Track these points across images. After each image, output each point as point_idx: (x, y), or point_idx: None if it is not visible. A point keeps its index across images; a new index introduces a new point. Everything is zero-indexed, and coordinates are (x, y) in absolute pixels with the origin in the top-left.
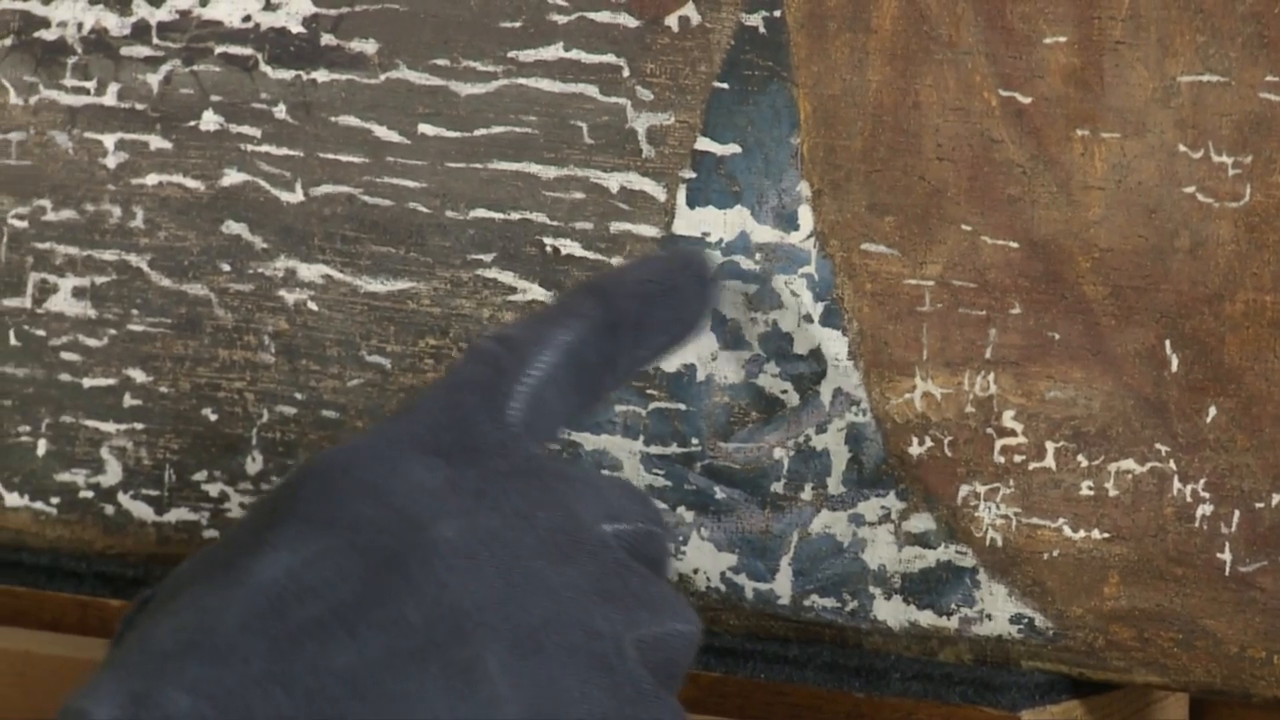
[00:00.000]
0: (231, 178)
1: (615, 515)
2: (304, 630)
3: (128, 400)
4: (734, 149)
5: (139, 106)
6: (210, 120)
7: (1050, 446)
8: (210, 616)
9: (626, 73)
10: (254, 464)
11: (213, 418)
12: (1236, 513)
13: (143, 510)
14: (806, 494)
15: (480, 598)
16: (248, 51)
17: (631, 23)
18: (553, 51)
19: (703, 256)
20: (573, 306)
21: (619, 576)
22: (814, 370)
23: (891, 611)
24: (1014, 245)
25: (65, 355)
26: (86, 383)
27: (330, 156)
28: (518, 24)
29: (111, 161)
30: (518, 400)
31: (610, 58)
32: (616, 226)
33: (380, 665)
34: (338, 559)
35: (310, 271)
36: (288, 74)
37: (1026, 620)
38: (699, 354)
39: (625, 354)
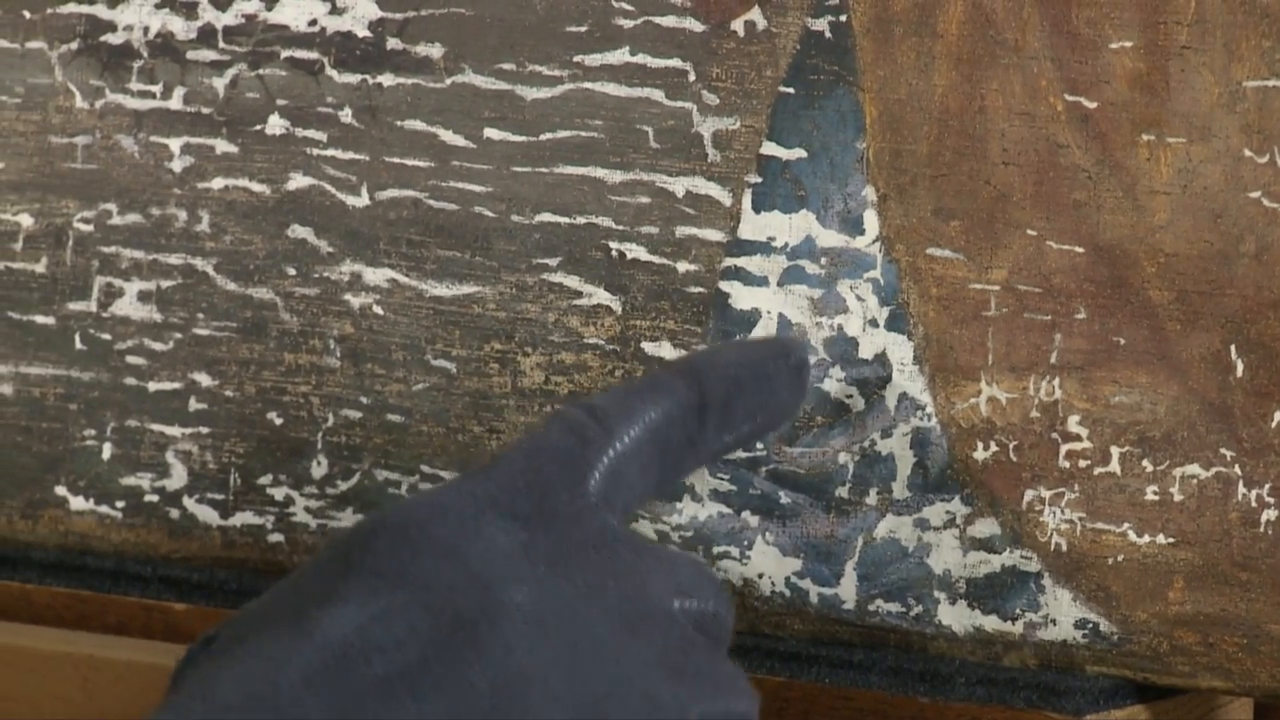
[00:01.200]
0: (297, 182)
1: (685, 591)
2: (368, 689)
3: (193, 404)
4: (800, 153)
5: (205, 110)
6: (276, 124)
7: (1115, 451)
8: (274, 669)
9: (692, 77)
10: (319, 468)
11: (278, 421)
12: None
13: (208, 514)
14: (871, 499)
15: (546, 665)
16: (313, 55)
17: (697, 27)
18: (618, 56)
19: (801, 347)
20: (663, 383)
21: (684, 652)
22: (879, 375)
23: (956, 616)
24: (1079, 250)
25: (131, 359)
26: (152, 386)
27: (396, 160)
28: (583, 28)
29: (177, 165)
30: (599, 473)
31: (676, 62)
32: (682, 231)
33: None
34: (408, 617)
35: (376, 275)
36: (353, 78)
37: (1091, 625)
38: None
39: (711, 437)
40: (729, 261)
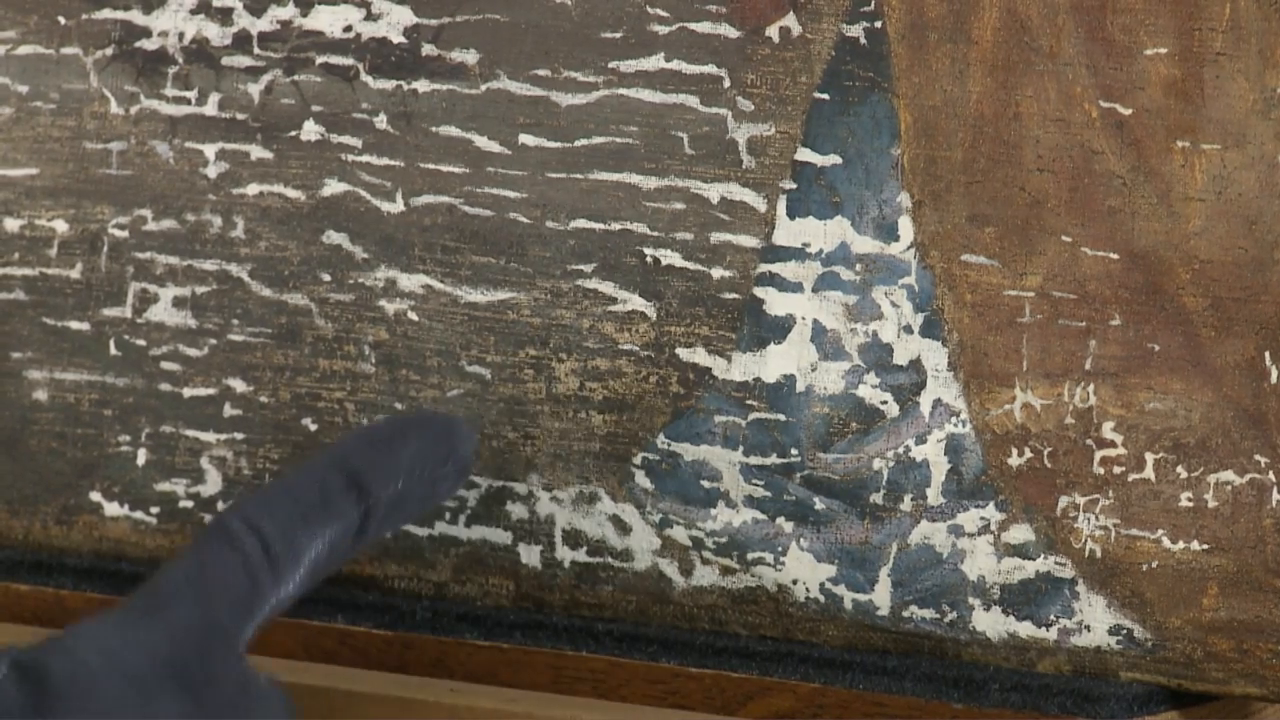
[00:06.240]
0: (332, 188)
1: None
2: None
3: (228, 410)
4: (834, 160)
5: (240, 116)
6: (311, 130)
7: (1150, 458)
8: None
9: (727, 83)
10: None
11: (313, 428)
12: None
13: None
14: (906, 505)
15: None
16: (349, 61)
17: (732, 33)
18: (654, 62)
19: (468, 445)
20: (332, 501)
21: None
22: (914, 381)
23: (990, 623)
24: (1114, 257)
25: (165, 365)
26: (187, 392)
27: (431, 166)
28: (619, 35)
29: (212, 171)
30: (257, 621)
31: (711, 68)
32: (717, 237)
33: None
34: None
35: (410, 281)
36: (389, 84)
37: (1125, 631)
38: (799, 365)
39: (363, 546)
40: (764, 267)
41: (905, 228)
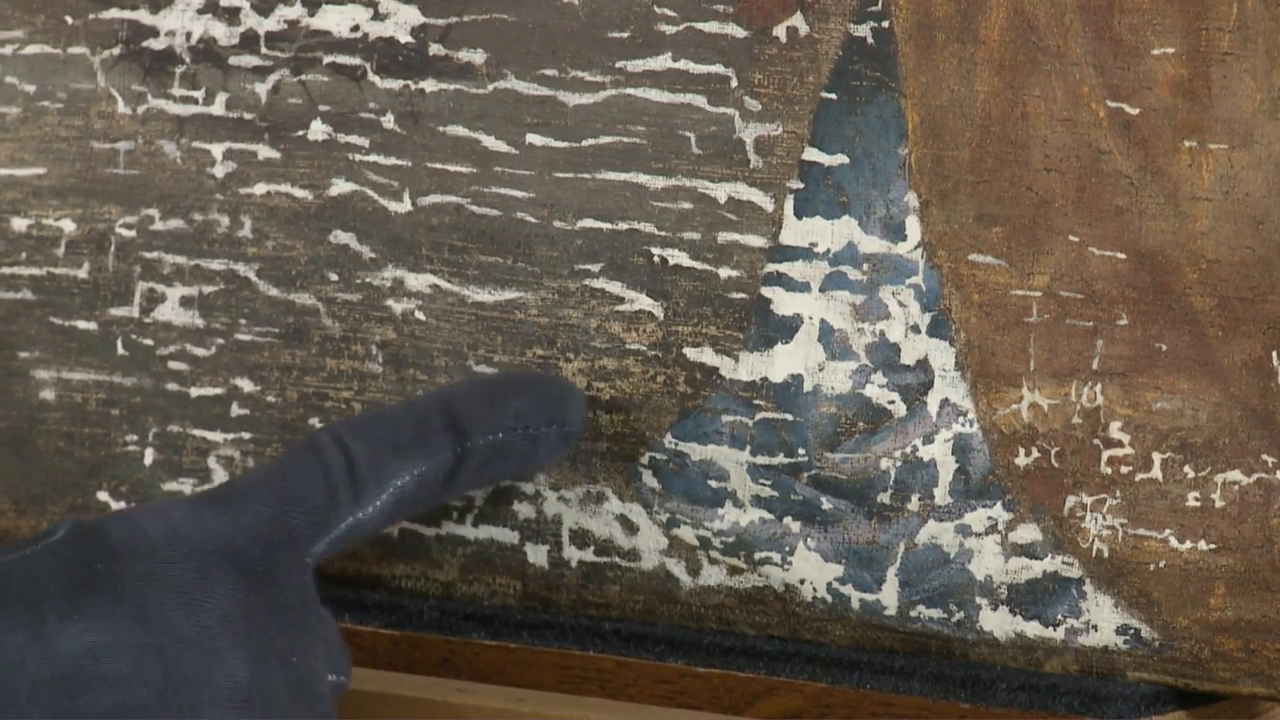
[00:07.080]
0: (339, 187)
1: (336, 667)
2: (89, 716)
3: (235, 410)
4: (842, 159)
5: (247, 116)
6: (318, 130)
7: (1157, 457)
8: (10, 663)
9: (734, 83)
10: None
11: (319, 427)
12: None
13: None
14: (913, 505)
15: None
16: (356, 61)
17: (740, 33)
18: (661, 62)
19: (577, 414)
20: (428, 439)
21: None
22: (921, 381)
23: (998, 622)
24: (1121, 256)
25: (173, 364)
26: (194, 392)
27: (438, 166)
28: (626, 34)
29: (219, 171)
30: (330, 539)
31: (718, 68)
32: (724, 237)
33: None
34: (138, 658)
35: (418, 281)
36: (396, 84)
37: (1132, 631)
38: (806, 365)
39: (453, 492)
40: (771, 267)
41: (913, 227)
